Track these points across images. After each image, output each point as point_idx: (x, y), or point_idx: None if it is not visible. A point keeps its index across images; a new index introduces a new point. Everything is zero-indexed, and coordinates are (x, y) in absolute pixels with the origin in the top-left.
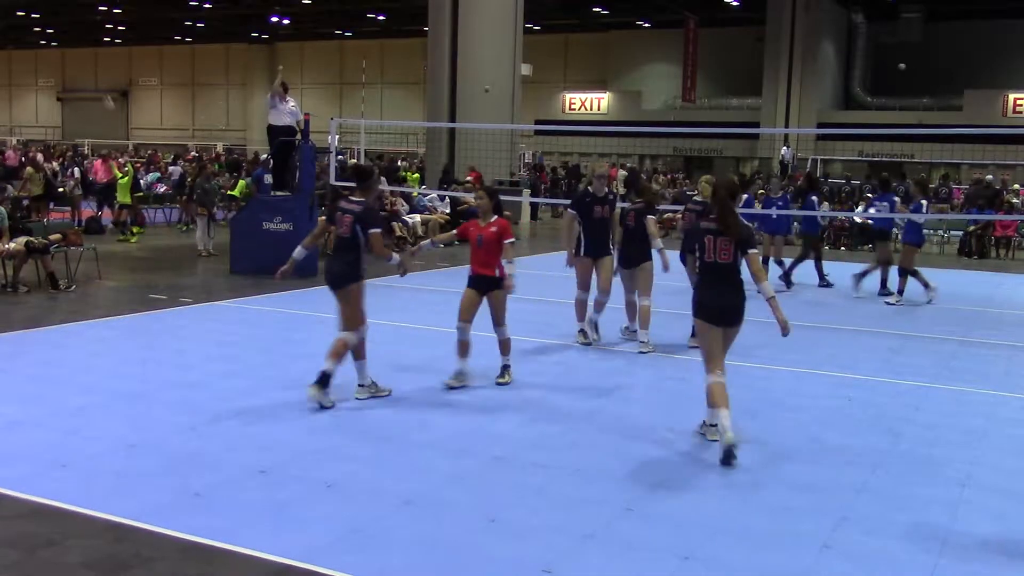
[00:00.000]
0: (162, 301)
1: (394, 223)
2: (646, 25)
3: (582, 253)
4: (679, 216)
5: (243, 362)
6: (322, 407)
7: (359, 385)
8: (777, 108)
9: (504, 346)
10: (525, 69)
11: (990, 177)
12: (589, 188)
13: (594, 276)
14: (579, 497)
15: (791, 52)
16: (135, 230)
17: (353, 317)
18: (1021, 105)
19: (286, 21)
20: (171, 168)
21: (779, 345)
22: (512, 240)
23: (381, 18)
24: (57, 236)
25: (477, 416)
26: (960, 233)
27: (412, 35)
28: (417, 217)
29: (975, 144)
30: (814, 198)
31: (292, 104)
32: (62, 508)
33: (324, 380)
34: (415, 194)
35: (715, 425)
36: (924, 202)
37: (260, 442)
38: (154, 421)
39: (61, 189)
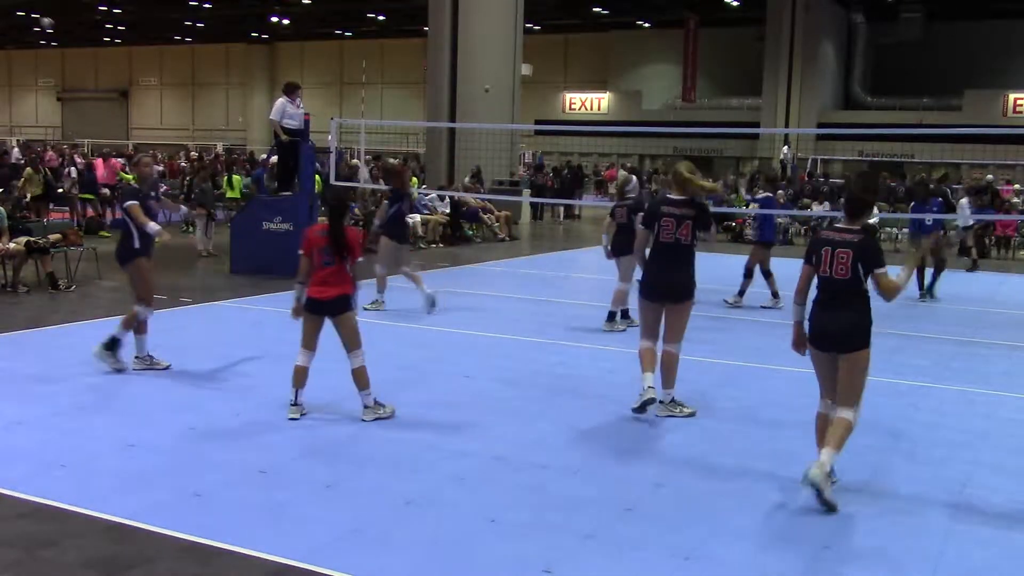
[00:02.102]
0: (162, 301)
1: None
2: (646, 25)
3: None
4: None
5: (242, 362)
6: (114, 369)
7: (135, 357)
8: (777, 108)
9: (359, 376)
10: (525, 69)
11: (990, 177)
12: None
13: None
14: (579, 497)
15: (791, 52)
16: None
17: (144, 291)
18: (1021, 105)
19: (286, 21)
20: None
21: (779, 347)
22: (362, 259)
23: (381, 18)
24: (57, 236)
25: (477, 416)
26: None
27: (412, 35)
28: (417, 217)
29: (975, 144)
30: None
31: (301, 107)
32: (62, 508)
33: (112, 344)
34: (415, 195)
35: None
36: (770, 195)
37: (260, 442)
38: (153, 421)
39: (60, 189)
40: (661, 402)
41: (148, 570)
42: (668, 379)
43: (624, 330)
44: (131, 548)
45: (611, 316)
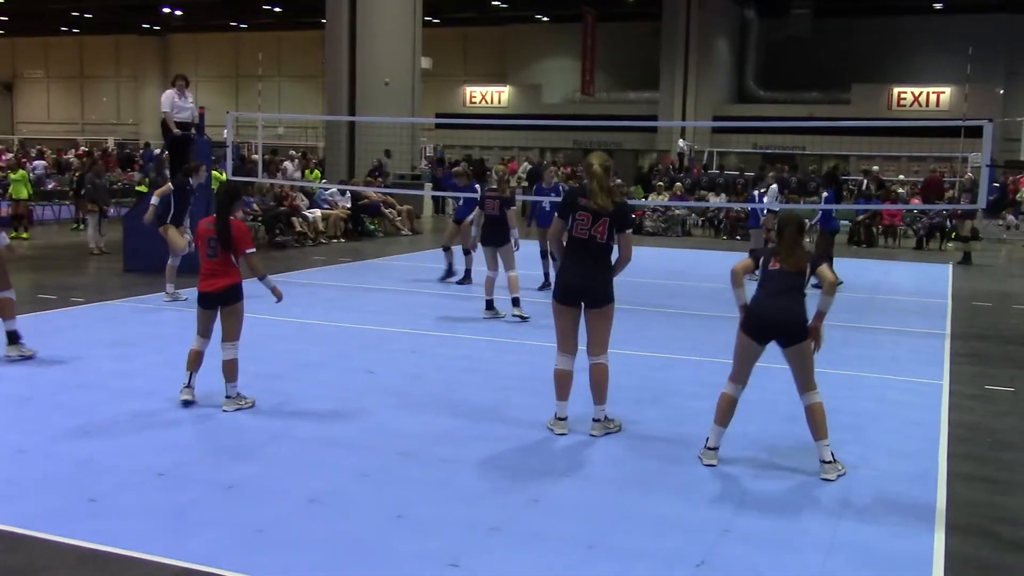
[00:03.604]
0: (52, 301)
1: (294, 218)
2: (544, 19)
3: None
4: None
5: (138, 362)
6: (22, 357)
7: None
8: (674, 101)
9: (230, 368)
10: (425, 62)
11: (876, 168)
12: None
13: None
14: (485, 490)
15: (687, 47)
16: (24, 235)
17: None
18: (905, 98)
19: (178, 12)
20: (35, 162)
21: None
22: (254, 250)
23: (277, 10)
24: None
25: (381, 412)
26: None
27: (309, 27)
28: (317, 212)
29: (862, 136)
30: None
31: (191, 100)
32: None
33: (12, 337)
34: (315, 189)
35: (714, 448)
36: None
37: (157, 444)
38: (45, 425)
39: None
40: (596, 420)
41: None
42: (600, 395)
43: (527, 319)
44: (23, 557)
45: (515, 302)
